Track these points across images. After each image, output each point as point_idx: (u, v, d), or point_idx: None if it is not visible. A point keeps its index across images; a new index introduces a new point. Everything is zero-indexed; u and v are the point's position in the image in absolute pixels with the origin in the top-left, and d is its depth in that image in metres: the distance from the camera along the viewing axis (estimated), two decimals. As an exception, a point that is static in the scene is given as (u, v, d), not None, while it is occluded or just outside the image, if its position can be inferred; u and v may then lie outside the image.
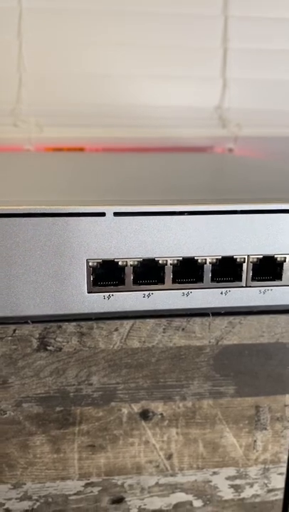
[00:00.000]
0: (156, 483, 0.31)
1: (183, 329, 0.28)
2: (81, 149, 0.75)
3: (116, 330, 0.27)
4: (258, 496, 0.32)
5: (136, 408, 0.29)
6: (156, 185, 0.30)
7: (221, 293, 0.22)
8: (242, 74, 0.78)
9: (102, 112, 0.75)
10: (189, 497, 0.31)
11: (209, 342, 0.28)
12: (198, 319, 0.28)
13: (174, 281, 0.22)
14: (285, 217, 0.22)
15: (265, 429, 0.31)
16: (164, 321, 0.27)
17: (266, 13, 0.76)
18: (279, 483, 0.32)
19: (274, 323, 0.28)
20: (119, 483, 0.30)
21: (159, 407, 0.29)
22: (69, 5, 0.71)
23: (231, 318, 0.28)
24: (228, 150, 0.79)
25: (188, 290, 0.22)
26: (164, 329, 0.28)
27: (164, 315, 0.26)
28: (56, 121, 0.74)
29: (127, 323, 0.27)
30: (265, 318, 0.28)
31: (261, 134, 0.78)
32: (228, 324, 0.28)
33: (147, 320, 0.27)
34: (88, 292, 0.21)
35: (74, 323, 0.26)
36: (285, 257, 0.22)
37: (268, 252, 0.22)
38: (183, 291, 0.22)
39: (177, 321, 0.27)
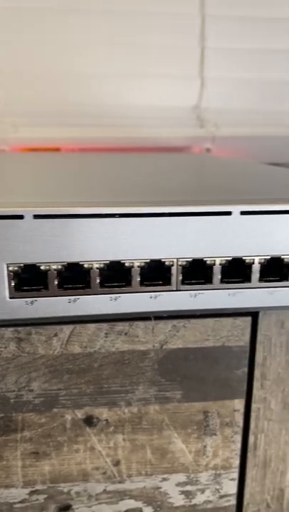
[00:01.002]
0: (104, 490, 0.30)
1: (126, 333, 0.27)
2: (57, 149, 0.74)
3: (55, 335, 0.26)
4: (210, 502, 0.32)
5: (79, 414, 0.28)
6: (110, 186, 0.30)
7: (151, 297, 0.22)
8: (220, 73, 0.78)
9: (78, 111, 0.74)
10: (139, 504, 0.31)
11: (153, 346, 0.28)
12: (141, 323, 0.27)
13: (102, 285, 0.21)
14: (216, 220, 0.21)
15: (215, 434, 0.30)
16: (105, 325, 0.27)
17: (243, 12, 0.76)
18: (231, 488, 0.31)
19: (219, 326, 0.28)
20: (65, 490, 0.30)
21: (103, 413, 0.28)
22: (44, 4, 0.70)
23: (175, 321, 0.27)
24: (205, 150, 0.78)
25: (116, 294, 0.21)
26: (106, 334, 0.27)
27: (94, 320, 0.26)
28: (32, 121, 0.73)
29: (67, 328, 0.26)
30: (210, 321, 0.28)
31: (239, 134, 0.78)
32: (172, 328, 0.27)
33: (88, 325, 0.27)
34: (10, 298, 0.20)
35: (11, 329, 0.26)
36: (215, 260, 0.21)
37: (197, 255, 0.21)
38: (111, 295, 0.21)
39: (120, 326, 0.27)
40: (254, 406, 0.30)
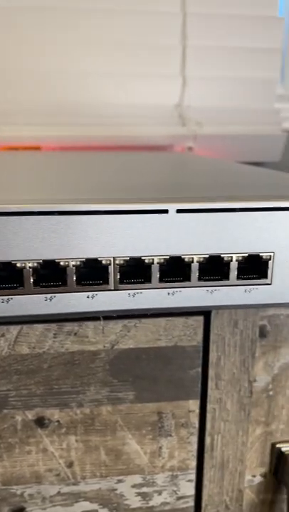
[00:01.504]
0: (58, 492, 0.30)
1: (75, 334, 0.27)
2: (37, 148, 0.74)
3: (2, 336, 0.26)
4: (167, 503, 0.31)
5: (30, 415, 0.28)
6: (68, 184, 0.29)
7: (88, 297, 0.21)
8: (201, 72, 0.77)
9: (59, 110, 0.74)
10: (94, 506, 0.30)
11: (104, 346, 0.27)
12: (90, 323, 0.27)
13: (36, 285, 0.21)
14: (153, 218, 0.21)
15: (170, 435, 0.30)
16: (54, 325, 0.26)
17: (225, 10, 0.75)
18: (189, 490, 0.31)
19: (171, 326, 0.28)
20: (18, 492, 0.29)
21: (54, 414, 0.28)
22: (24, 2, 0.70)
23: (126, 321, 0.27)
24: (187, 149, 0.78)
25: (51, 294, 0.21)
26: (54, 334, 0.27)
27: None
28: (12, 119, 0.73)
29: (14, 329, 0.26)
30: (162, 321, 0.27)
31: (222, 133, 0.77)
32: (122, 328, 0.27)
33: (36, 325, 0.26)
34: None
35: None
36: (153, 259, 0.21)
37: (135, 254, 0.21)
38: (46, 295, 0.21)
39: (68, 326, 0.27)
40: (209, 407, 0.30)
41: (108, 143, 0.76)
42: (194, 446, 0.30)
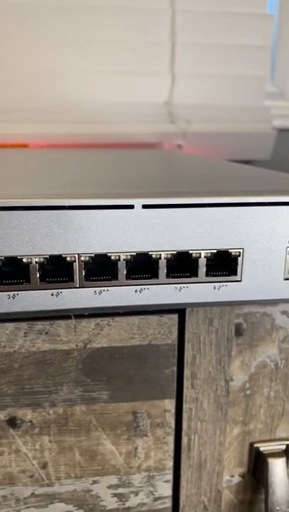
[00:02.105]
0: (33, 494, 0.29)
1: (46, 333, 0.26)
2: (25, 146, 0.73)
3: (-29, 334, 0.26)
4: (144, 504, 0.31)
5: (2, 415, 0.27)
6: (44, 180, 0.29)
7: (52, 294, 0.21)
8: (191, 69, 0.77)
9: (47, 107, 0.73)
10: (70, 507, 0.30)
11: (76, 346, 0.27)
12: (62, 322, 0.26)
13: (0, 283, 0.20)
14: (119, 214, 0.20)
15: (146, 435, 0.29)
16: (24, 324, 0.26)
17: (214, 7, 0.75)
18: (166, 490, 0.31)
19: (145, 324, 0.27)
20: (-9, 494, 0.29)
21: (27, 414, 0.28)
22: (12, 0, 0.69)
23: (98, 320, 0.27)
24: (177, 146, 0.77)
25: (14, 292, 0.20)
26: (25, 333, 0.26)
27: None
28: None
29: (-16, 327, 0.26)
30: (135, 319, 0.27)
31: (211, 130, 0.77)
32: (95, 326, 0.27)
33: (6, 323, 0.26)
34: None
35: None
36: (120, 256, 0.21)
37: (101, 250, 0.20)
38: (9, 293, 0.20)
39: (39, 325, 0.26)
40: (185, 406, 0.29)
41: (97, 141, 0.76)
42: (171, 447, 0.30)
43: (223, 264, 0.22)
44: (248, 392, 0.30)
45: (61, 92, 0.74)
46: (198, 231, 0.21)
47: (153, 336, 0.27)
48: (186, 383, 0.29)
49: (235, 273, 0.22)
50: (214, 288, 0.22)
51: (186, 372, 0.28)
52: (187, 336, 0.28)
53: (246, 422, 0.30)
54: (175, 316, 0.27)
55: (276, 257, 0.22)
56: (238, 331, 0.28)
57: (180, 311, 0.27)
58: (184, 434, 0.30)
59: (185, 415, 0.29)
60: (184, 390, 0.29)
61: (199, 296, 0.22)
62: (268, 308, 0.28)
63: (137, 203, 0.20)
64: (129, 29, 0.74)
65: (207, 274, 0.22)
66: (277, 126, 0.79)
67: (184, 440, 0.30)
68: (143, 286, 0.21)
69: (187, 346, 0.28)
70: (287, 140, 0.81)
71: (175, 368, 0.28)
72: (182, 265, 0.22)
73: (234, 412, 0.30)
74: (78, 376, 0.27)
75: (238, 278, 0.22)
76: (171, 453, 0.30)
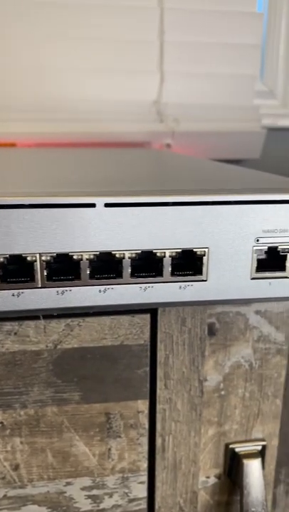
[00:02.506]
0: (5, 496, 0.29)
1: (15, 333, 0.26)
2: (12, 145, 0.73)
3: None
4: (119, 506, 0.30)
5: (-28, 417, 0.27)
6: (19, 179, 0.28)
7: (13, 295, 0.20)
8: (180, 67, 0.76)
9: (35, 106, 0.73)
10: (43, 509, 0.30)
11: (46, 346, 0.26)
12: (31, 322, 0.26)
13: None
14: (80, 212, 0.20)
15: (119, 436, 0.29)
16: (-8, 324, 0.26)
17: (203, 5, 0.74)
18: (141, 492, 0.30)
19: (117, 324, 0.27)
20: None
21: (-3, 415, 0.27)
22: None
23: (69, 320, 0.26)
24: (166, 145, 0.77)
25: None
26: (-7, 333, 0.26)
27: None
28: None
29: None
30: (107, 319, 0.27)
31: (200, 129, 0.77)
32: (65, 327, 0.26)
33: (-26, 324, 0.25)
34: None
35: None
36: (82, 255, 0.20)
37: (63, 249, 0.20)
38: None
39: (8, 325, 0.26)
40: (159, 407, 0.29)
41: (85, 139, 0.75)
42: (145, 448, 0.29)
43: (189, 263, 0.21)
44: (222, 392, 0.29)
45: (49, 90, 0.74)
46: (162, 230, 0.21)
47: (125, 336, 0.27)
48: (159, 384, 0.28)
49: (200, 272, 0.21)
50: (180, 288, 0.21)
51: (160, 372, 0.28)
52: (160, 336, 0.28)
53: (221, 423, 0.30)
54: (147, 316, 0.27)
55: (242, 256, 0.21)
56: (211, 331, 0.28)
57: (152, 310, 0.27)
58: (158, 435, 0.30)
59: (159, 416, 0.29)
60: (158, 391, 0.29)
61: (165, 296, 0.22)
62: (241, 308, 0.28)
63: (99, 201, 0.20)
64: (117, 28, 0.73)
65: (172, 274, 0.21)
66: (266, 125, 0.79)
67: (158, 441, 0.30)
68: (107, 286, 0.21)
69: (160, 346, 0.28)
70: (277, 139, 0.81)
71: (148, 369, 0.28)
72: (147, 265, 0.21)
73: (209, 413, 0.30)
74: (49, 377, 0.27)
75: (203, 277, 0.21)
76: (146, 454, 0.30)
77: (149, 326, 0.27)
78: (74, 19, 0.72)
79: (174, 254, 0.21)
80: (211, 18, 0.76)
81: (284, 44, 0.81)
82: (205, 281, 0.21)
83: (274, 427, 0.31)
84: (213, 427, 0.30)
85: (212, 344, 0.28)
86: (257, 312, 0.28)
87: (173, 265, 0.21)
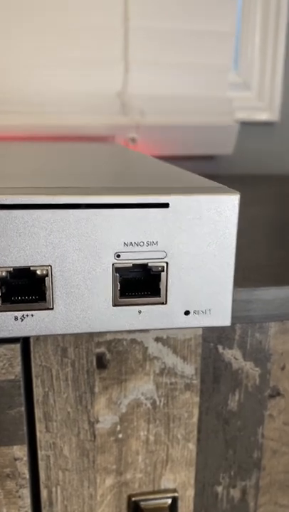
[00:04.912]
0: None
1: None
2: None
3: None
4: None
5: None
6: None
7: None
8: (146, 56, 0.71)
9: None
10: None
11: None
12: None
13: None
14: None
15: (-6, 488, 0.24)
16: None
17: (171, -12, 0.69)
18: None
19: (-21, 356, 0.22)
20: None
21: None
22: None
23: None
24: (130, 140, 0.72)
25: None
26: None
27: None
28: None
29: None
30: None
31: (168, 123, 0.71)
32: None
33: None
34: None
35: None
36: None
37: None
38: None
39: None
40: (41, 453, 0.24)
41: (44, 133, 0.70)
42: (27, 501, 0.24)
43: (30, 286, 0.16)
44: (120, 435, 0.24)
45: (8, 82, 0.68)
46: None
47: (-10, 369, 0.22)
48: (38, 426, 0.23)
49: (43, 298, 0.16)
50: (15, 319, 0.16)
51: (38, 413, 0.23)
52: (35, 369, 0.22)
53: (121, 471, 0.25)
54: (17, 346, 0.22)
55: (99, 276, 0.16)
56: (101, 363, 0.23)
57: (24, 339, 0.22)
58: (42, 486, 0.24)
59: (42, 464, 0.24)
60: (37, 434, 0.23)
61: (-2, 329, 0.16)
62: (138, 335, 0.23)
63: None
64: (78, 13, 0.68)
65: (5, 301, 0.16)
66: (240, 118, 0.73)
67: (44, 493, 0.25)
68: None
69: (36, 382, 0.23)
70: (251, 134, 0.75)
71: (23, 408, 0.23)
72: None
73: (104, 460, 0.24)
74: None
75: (47, 305, 0.16)
76: (29, 509, 0.25)
77: (20, 358, 0.22)
78: (32, 6, 0.66)
79: (3, 274, 0.16)
80: (180, 4, 0.70)
81: (259, 32, 0.75)
82: (50, 309, 0.16)
83: (187, 475, 0.26)
84: (111, 475, 0.25)
85: (103, 379, 0.23)
86: (157, 339, 0.23)
87: (6, 289, 0.16)
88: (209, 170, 0.76)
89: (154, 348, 0.23)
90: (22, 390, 0.22)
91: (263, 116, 0.76)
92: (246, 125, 0.75)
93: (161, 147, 0.73)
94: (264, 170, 0.76)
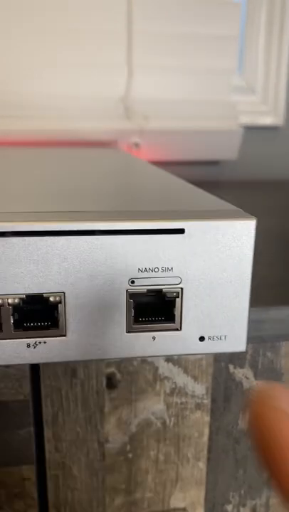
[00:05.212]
0: None
1: None
2: None
3: None
4: None
5: None
6: None
7: None
8: (149, 60, 0.71)
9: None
10: None
11: None
12: None
13: None
14: None
15: (2, 508, 0.24)
16: None
17: (175, -8, 0.68)
18: None
19: (-13, 376, 0.21)
20: None
21: None
22: None
23: None
24: (133, 145, 0.71)
25: None
26: None
27: None
28: None
29: None
30: (-26, 370, 0.21)
31: (171, 128, 0.71)
32: None
33: None
34: None
35: None
36: None
37: None
38: None
39: None
40: (50, 473, 0.24)
41: (47, 138, 0.70)
42: (36, 521, 0.24)
43: (42, 313, 0.16)
44: (129, 455, 0.24)
45: (9, 85, 0.68)
46: (2, 269, 0.15)
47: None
48: (47, 446, 0.23)
49: (56, 325, 0.16)
50: (28, 346, 0.16)
51: (47, 433, 0.23)
52: (44, 390, 0.22)
53: (130, 491, 0.25)
54: (26, 366, 0.21)
55: (114, 301, 0.16)
56: (111, 383, 0.22)
57: (33, 359, 0.22)
58: (51, 506, 0.24)
59: (50, 484, 0.24)
60: (47, 454, 0.23)
61: (4, 357, 0.16)
62: (148, 355, 0.22)
63: None
64: (81, 17, 0.68)
65: (17, 327, 0.16)
66: (244, 123, 0.73)
67: (52, 513, 0.24)
68: None
69: (45, 402, 0.22)
70: (256, 138, 0.75)
71: (32, 429, 0.22)
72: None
73: (114, 479, 0.24)
74: None
75: (60, 331, 0.16)
76: (38, 529, 0.24)
77: (29, 378, 0.22)
78: (34, 9, 0.66)
79: (16, 301, 0.15)
80: (184, 7, 0.70)
81: (264, 35, 0.75)
82: (63, 336, 0.16)
83: (197, 494, 0.25)
84: (120, 495, 0.25)
85: (113, 399, 0.23)
86: (168, 360, 0.23)
87: (19, 316, 0.16)
88: (213, 175, 0.76)
89: (164, 368, 0.23)
90: (31, 410, 0.22)
91: (267, 120, 0.75)
92: (250, 130, 0.74)
93: (164, 152, 0.73)
94: (269, 175, 0.76)
